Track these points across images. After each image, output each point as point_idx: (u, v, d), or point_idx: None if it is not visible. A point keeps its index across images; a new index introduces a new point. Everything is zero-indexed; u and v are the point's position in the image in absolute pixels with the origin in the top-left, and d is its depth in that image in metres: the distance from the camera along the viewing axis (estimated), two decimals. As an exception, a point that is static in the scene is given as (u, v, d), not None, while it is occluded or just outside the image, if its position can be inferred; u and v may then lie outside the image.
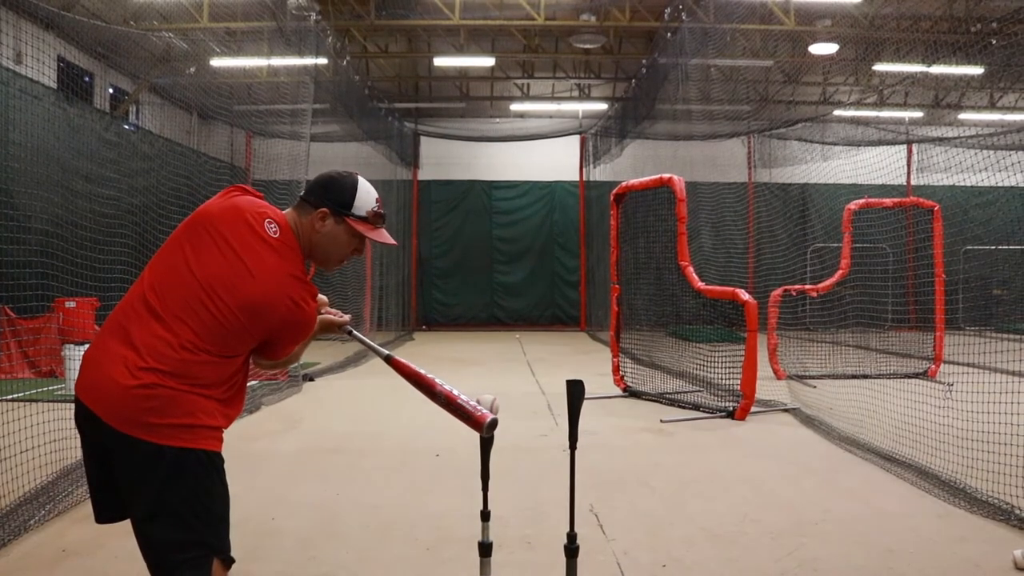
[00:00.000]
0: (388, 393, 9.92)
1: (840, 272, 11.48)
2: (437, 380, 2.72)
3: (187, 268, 2.35)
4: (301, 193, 2.63)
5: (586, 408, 2.96)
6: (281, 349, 2.49)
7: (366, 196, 2.58)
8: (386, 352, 2.77)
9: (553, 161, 21.59)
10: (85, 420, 2.39)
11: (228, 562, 2.37)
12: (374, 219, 2.59)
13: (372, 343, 2.85)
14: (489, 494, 2.85)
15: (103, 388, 2.31)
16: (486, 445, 2.84)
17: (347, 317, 2.77)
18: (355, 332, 2.79)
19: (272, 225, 2.44)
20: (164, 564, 2.30)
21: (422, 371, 2.74)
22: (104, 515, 2.48)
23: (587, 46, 17.56)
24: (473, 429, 2.64)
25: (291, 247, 2.46)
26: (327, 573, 3.90)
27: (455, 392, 2.68)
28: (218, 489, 2.39)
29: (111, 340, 2.34)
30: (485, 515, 2.84)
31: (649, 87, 16.24)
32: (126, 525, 4.63)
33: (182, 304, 2.31)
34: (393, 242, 2.72)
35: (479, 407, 2.63)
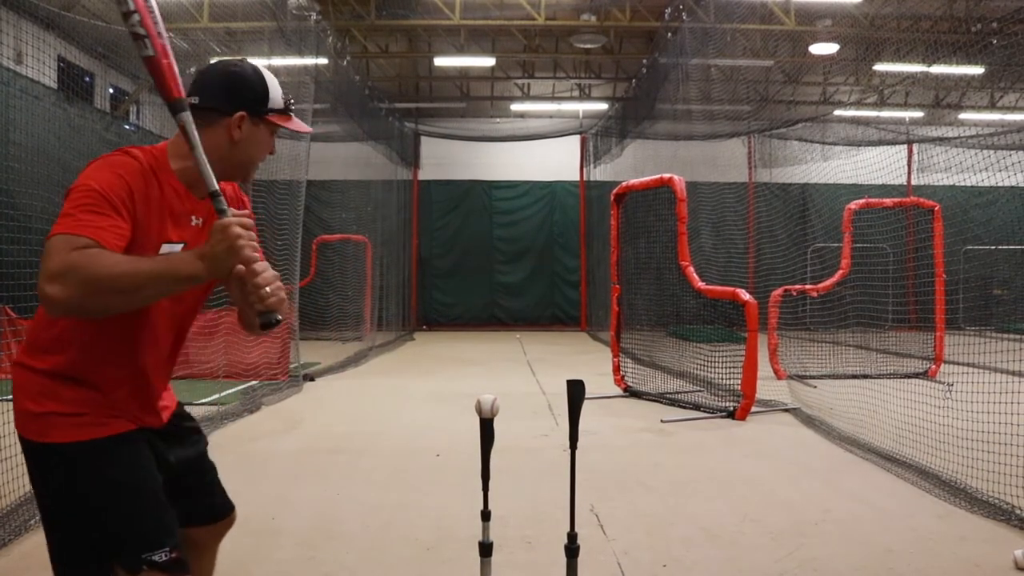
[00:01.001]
0: (389, 393, 9.92)
1: (840, 272, 11.48)
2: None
3: None
4: (193, 102, 2.13)
5: (586, 408, 2.96)
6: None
7: (273, 83, 2.24)
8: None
9: (553, 161, 21.59)
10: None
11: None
12: (288, 107, 2.26)
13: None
14: (489, 494, 2.85)
15: None
16: (487, 444, 2.84)
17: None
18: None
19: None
20: None
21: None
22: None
23: (587, 46, 17.56)
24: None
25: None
26: (327, 573, 3.90)
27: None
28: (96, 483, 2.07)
29: None
30: (485, 515, 2.84)
31: (649, 87, 16.23)
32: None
33: None
34: (307, 128, 2.35)
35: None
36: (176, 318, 2.27)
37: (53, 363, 2.09)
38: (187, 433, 2.46)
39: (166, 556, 2.05)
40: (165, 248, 2.08)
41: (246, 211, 2.15)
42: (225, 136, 2.16)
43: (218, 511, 2.51)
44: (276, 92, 2.23)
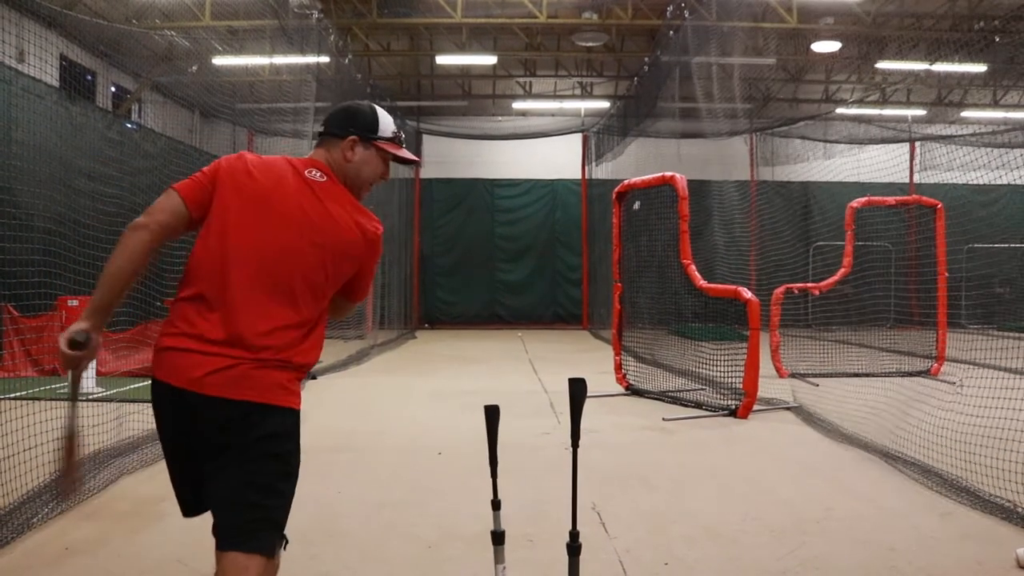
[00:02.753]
0: (390, 391, 9.93)
1: (842, 270, 11.47)
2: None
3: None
4: (319, 129, 2.71)
5: (588, 406, 2.96)
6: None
7: (385, 118, 2.70)
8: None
9: (555, 159, 21.59)
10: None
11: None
12: (397, 139, 2.71)
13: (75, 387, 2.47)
14: (496, 483, 2.85)
15: None
16: (493, 435, 2.85)
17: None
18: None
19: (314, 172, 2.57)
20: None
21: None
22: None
23: (589, 44, 17.55)
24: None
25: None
26: (328, 571, 3.90)
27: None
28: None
29: None
30: (496, 504, 2.85)
31: (651, 85, 16.22)
32: (128, 522, 4.64)
33: None
34: (415, 158, 2.82)
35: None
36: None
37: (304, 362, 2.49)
38: None
39: None
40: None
41: None
42: (340, 156, 2.62)
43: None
44: (386, 124, 2.68)
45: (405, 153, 2.74)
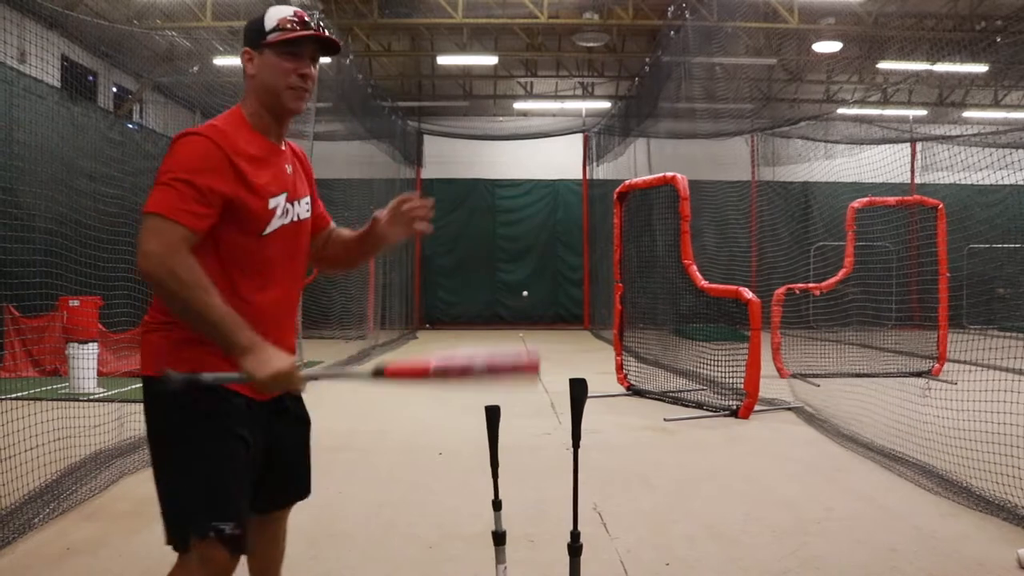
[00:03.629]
0: (391, 392, 9.92)
1: (843, 271, 11.46)
2: (456, 356, 2.23)
3: None
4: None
5: (589, 406, 2.96)
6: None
7: (273, 13, 2.33)
8: (372, 367, 2.29)
9: (556, 159, 21.59)
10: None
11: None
12: (290, 27, 2.31)
13: (343, 371, 2.47)
14: (497, 483, 2.85)
15: None
16: (493, 435, 2.85)
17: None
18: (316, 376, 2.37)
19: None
20: None
21: (429, 362, 2.23)
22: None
23: (590, 44, 17.55)
24: (529, 377, 2.24)
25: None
26: (329, 571, 3.90)
27: (486, 356, 2.23)
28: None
29: None
30: (497, 504, 2.84)
31: (652, 85, 16.21)
32: (128, 522, 4.64)
33: None
34: (318, 32, 2.36)
35: (521, 355, 2.24)
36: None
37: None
38: None
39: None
40: (272, 203, 2.27)
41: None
42: (247, 80, 2.34)
43: None
44: (272, 18, 2.31)
45: (300, 32, 2.30)
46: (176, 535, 2.24)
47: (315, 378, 2.31)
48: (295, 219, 2.38)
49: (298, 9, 2.38)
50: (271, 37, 2.29)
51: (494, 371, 2.22)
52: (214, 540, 2.14)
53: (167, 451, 2.23)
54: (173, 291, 2.05)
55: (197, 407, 2.17)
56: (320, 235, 2.65)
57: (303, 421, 2.62)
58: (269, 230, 2.28)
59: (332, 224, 2.70)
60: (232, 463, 2.22)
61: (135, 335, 10.22)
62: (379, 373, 2.24)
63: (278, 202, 2.30)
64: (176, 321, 2.18)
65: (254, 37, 2.32)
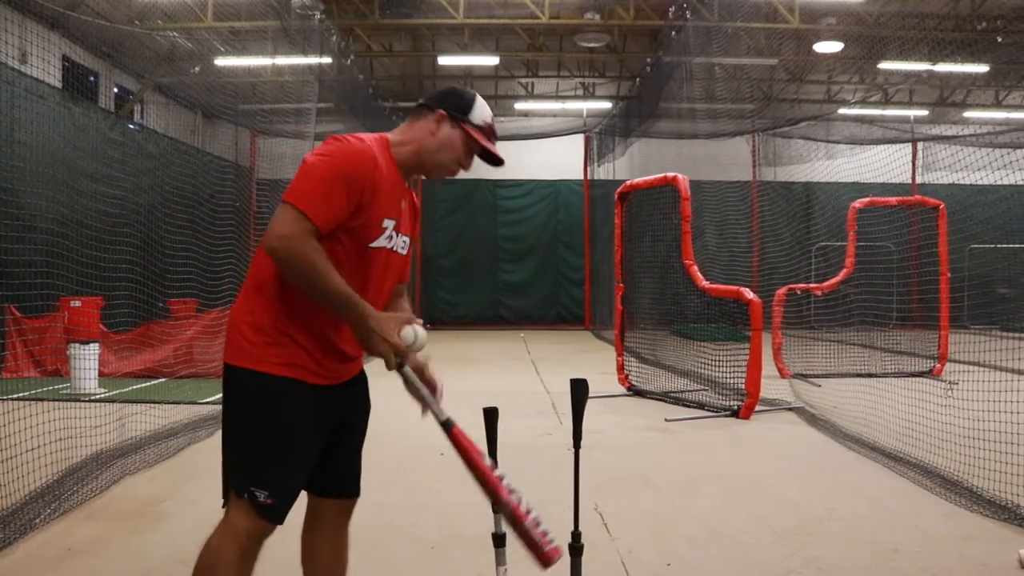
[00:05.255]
0: (391, 391, 9.91)
1: (844, 271, 11.45)
2: (512, 492, 2.43)
3: None
4: (420, 102, 2.66)
5: (590, 407, 2.96)
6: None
7: (483, 108, 2.61)
8: (445, 415, 2.49)
9: (558, 160, 21.57)
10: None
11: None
12: (488, 132, 2.61)
13: (427, 396, 2.52)
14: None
15: None
16: (492, 437, 2.85)
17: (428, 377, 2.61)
18: (410, 376, 2.51)
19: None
20: None
21: (486, 460, 2.48)
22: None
23: (591, 45, 17.54)
24: (537, 562, 2.35)
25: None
26: (331, 572, 3.90)
27: (522, 506, 2.41)
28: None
29: None
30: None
31: (653, 86, 16.22)
32: (130, 523, 4.63)
33: None
34: (501, 159, 2.67)
35: (547, 538, 2.37)
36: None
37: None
38: None
39: None
40: (384, 223, 2.50)
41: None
42: (425, 129, 2.56)
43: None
44: (481, 113, 2.60)
45: (494, 148, 2.63)
46: (226, 491, 2.52)
47: (403, 375, 2.49)
48: (394, 248, 2.58)
49: (492, 115, 2.65)
50: (473, 126, 2.57)
51: (518, 529, 2.38)
52: (247, 502, 2.41)
53: (234, 424, 2.51)
54: (298, 269, 2.30)
55: (267, 389, 2.44)
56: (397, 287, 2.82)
57: (367, 405, 2.91)
58: (374, 245, 2.49)
59: (403, 286, 2.87)
60: (286, 442, 2.46)
61: (137, 336, 10.23)
62: (448, 426, 2.46)
63: (389, 224, 2.51)
64: (262, 308, 2.46)
65: (458, 109, 2.56)
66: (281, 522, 2.50)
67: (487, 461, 2.45)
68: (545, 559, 2.35)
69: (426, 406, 2.52)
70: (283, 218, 2.33)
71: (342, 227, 2.41)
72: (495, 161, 2.66)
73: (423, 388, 2.50)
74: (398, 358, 2.43)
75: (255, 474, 2.43)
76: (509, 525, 2.39)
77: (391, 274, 2.64)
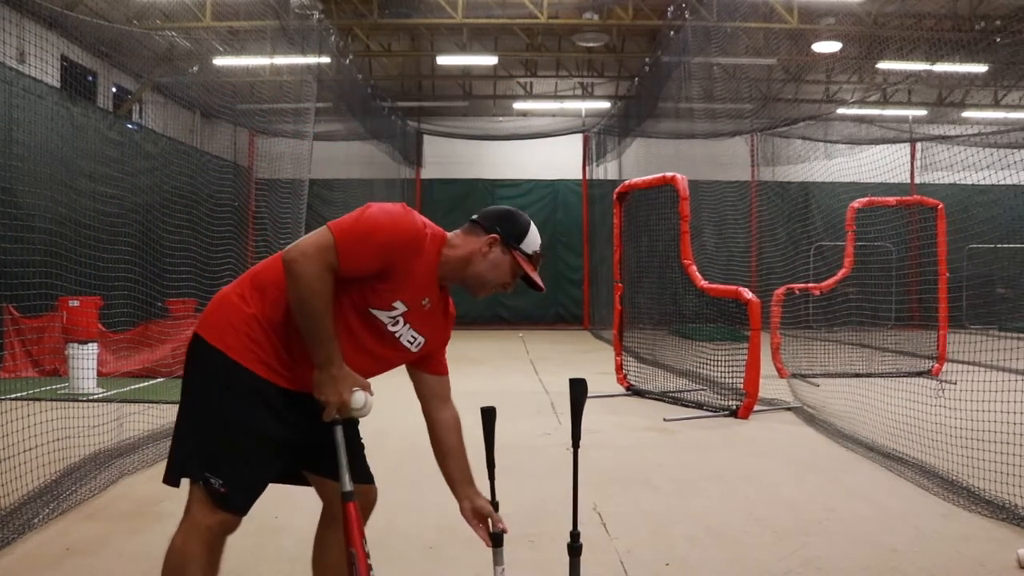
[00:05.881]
0: (391, 391, 9.91)
1: (843, 271, 11.46)
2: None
3: None
4: (473, 217, 2.74)
5: (589, 407, 2.96)
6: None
7: (535, 237, 2.70)
8: (349, 486, 2.49)
9: (556, 160, 21.57)
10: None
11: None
12: (536, 260, 2.70)
13: (343, 462, 2.52)
14: (494, 484, 2.85)
15: None
16: (490, 437, 2.85)
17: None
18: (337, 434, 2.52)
19: None
20: None
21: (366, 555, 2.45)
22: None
23: (590, 44, 17.55)
24: None
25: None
26: (330, 572, 3.89)
27: None
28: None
29: None
30: (494, 506, 2.84)
31: (652, 85, 16.22)
32: (129, 523, 4.63)
33: None
34: (542, 287, 2.75)
35: None
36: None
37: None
38: None
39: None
40: (395, 303, 2.53)
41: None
42: (477, 246, 2.63)
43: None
44: (532, 240, 2.68)
45: (537, 278, 2.71)
46: (171, 472, 2.53)
47: (334, 432, 2.52)
48: (398, 336, 2.60)
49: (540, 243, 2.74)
50: (524, 255, 2.66)
51: None
52: (202, 488, 2.43)
53: (195, 402, 2.52)
54: (301, 290, 2.34)
55: (236, 379, 2.46)
56: (429, 377, 2.85)
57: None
58: (375, 312, 2.52)
59: (445, 376, 2.90)
60: (247, 430, 2.47)
61: (135, 335, 10.21)
62: (345, 498, 2.49)
63: (399, 307, 2.54)
64: (252, 302, 2.50)
65: (510, 236, 2.65)
66: (243, 513, 2.52)
67: (367, 550, 2.46)
68: None
69: (340, 470, 2.52)
70: (315, 240, 2.38)
71: (358, 282, 2.45)
72: (535, 287, 2.73)
73: (342, 453, 2.52)
74: (338, 414, 2.48)
75: (210, 460, 2.44)
76: None
77: (390, 355, 2.66)
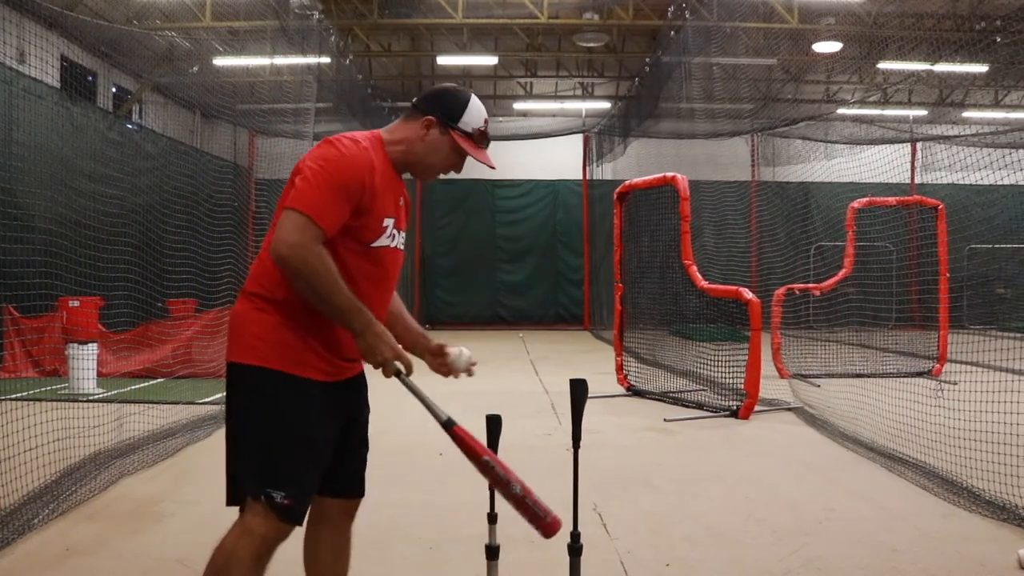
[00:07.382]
0: (391, 391, 9.91)
1: (843, 271, 11.45)
2: (509, 472, 2.50)
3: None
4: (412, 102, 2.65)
5: (589, 407, 2.96)
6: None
7: (476, 113, 2.60)
8: (445, 415, 2.51)
9: (556, 160, 21.56)
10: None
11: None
12: (479, 138, 2.62)
13: (426, 399, 2.54)
14: (495, 495, 2.84)
15: None
16: (493, 446, 2.83)
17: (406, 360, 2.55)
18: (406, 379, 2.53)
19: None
20: None
21: (488, 452, 2.55)
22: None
23: (590, 45, 17.54)
24: (540, 533, 2.46)
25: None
26: (330, 572, 3.89)
27: (527, 492, 2.49)
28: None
29: None
30: (492, 517, 2.81)
31: (652, 85, 16.22)
32: (128, 523, 4.62)
33: None
34: (493, 165, 2.76)
35: (549, 510, 2.48)
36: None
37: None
38: None
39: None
40: (384, 221, 2.52)
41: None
42: (414, 132, 2.56)
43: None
44: (471, 118, 2.58)
45: (482, 156, 2.65)
46: (234, 492, 2.51)
47: (404, 383, 2.52)
48: (395, 246, 2.61)
49: (487, 118, 2.63)
50: (463, 133, 2.57)
51: (520, 507, 2.46)
52: (264, 504, 2.40)
53: (243, 423, 2.49)
54: (306, 277, 2.31)
55: (279, 387, 2.45)
56: None
57: (367, 405, 2.89)
58: (376, 244, 2.51)
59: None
60: (300, 438, 2.46)
61: (136, 335, 10.21)
62: (448, 425, 2.48)
63: (388, 223, 2.54)
64: (268, 308, 2.47)
65: (447, 115, 2.55)
66: (300, 523, 2.51)
67: (490, 457, 2.52)
68: (547, 528, 2.45)
69: (427, 408, 2.52)
70: (290, 225, 2.33)
71: (344, 228, 2.42)
72: (486, 164, 2.69)
73: (423, 392, 2.51)
74: (400, 364, 2.47)
75: (271, 475, 2.42)
76: (516, 505, 2.44)
77: (394, 271, 2.67)
